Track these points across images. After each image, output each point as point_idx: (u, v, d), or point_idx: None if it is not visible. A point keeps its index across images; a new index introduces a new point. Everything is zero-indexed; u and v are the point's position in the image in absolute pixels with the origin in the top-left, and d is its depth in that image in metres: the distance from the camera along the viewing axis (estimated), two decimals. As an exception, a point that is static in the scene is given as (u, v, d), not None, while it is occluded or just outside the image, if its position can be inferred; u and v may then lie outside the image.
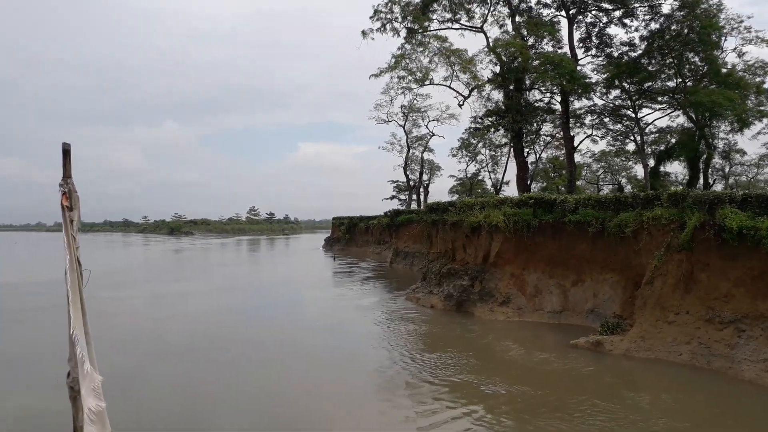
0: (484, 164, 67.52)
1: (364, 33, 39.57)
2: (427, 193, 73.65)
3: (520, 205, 24.25)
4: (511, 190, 64.84)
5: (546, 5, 39.44)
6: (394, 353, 17.65)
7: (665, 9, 35.53)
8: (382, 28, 39.18)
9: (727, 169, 51.19)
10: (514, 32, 38.44)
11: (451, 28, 40.65)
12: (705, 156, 37.90)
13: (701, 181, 37.64)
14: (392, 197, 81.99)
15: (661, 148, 44.10)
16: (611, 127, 44.89)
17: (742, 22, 35.06)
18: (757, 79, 38.59)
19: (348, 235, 78.60)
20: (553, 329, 20.97)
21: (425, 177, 74.26)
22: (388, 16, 38.91)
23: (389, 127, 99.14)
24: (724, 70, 35.52)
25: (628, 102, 40.21)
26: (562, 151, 52.02)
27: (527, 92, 40.46)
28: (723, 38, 35.19)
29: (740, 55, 37.01)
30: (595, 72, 40.41)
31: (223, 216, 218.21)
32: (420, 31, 39.64)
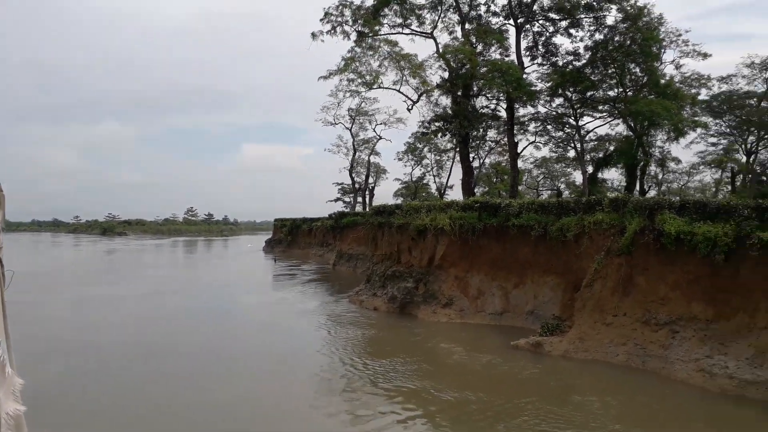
0: (429, 168, 68.15)
1: (313, 35, 39.11)
2: (372, 195, 73.64)
3: (466, 209, 24.40)
4: (455, 194, 65.71)
5: (495, 14, 40.13)
6: (336, 358, 17.20)
7: (609, 21, 36.72)
8: (333, 31, 38.82)
9: (660, 176, 53.48)
10: (463, 39, 38.89)
11: (402, 33, 40.78)
12: (642, 163, 39.33)
13: (637, 187, 39.01)
14: (337, 199, 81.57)
15: (600, 155, 45.61)
16: (553, 134, 46.04)
17: (680, 35, 36.55)
18: (693, 91, 40.44)
19: (290, 237, 77.40)
20: (495, 331, 21.10)
21: (371, 180, 74.26)
22: (339, 19, 38.60)
23: (336, 129, 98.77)
24: (662, 81, 36.92)
25: (571, 110, 41.29)
26: (505, 157, 53.03)
27: (474, 98, 40.92)
28: (662, 50, 36.57)
29: (678, 67, 38.62)
30: (540, 80, 41.40)
31: (159, 217, 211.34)
32: (370, 35, 39.51)
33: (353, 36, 39.27)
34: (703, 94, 42.58)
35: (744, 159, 47.42)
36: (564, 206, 21.51)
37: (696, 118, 40.24)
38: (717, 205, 16.35)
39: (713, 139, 48.82)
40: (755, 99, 43.36)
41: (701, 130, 45.24)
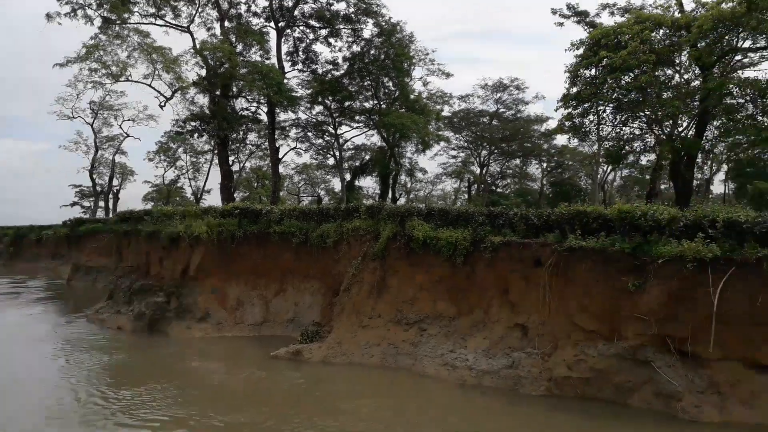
0: (184, 171, 64.49)
1: (48, 16, 33.99)
2: (117, 199, 66.79)
3: (225, 215, 23.24)
4: (213, 199, 63.19)
5: (256, 14, 39.45)
6: (79, 391, 14.45)
7: (366, 34, 38.55)
8: (72, 14, 34.07)
9: (409, 185, 58.54)
10: (222, 36, 37.36)
11: (155, 24, 37.56)
12: (394, 173, 42.42)
13: (390, 195, 41.92)
14: (74, 204, 72.35)
15: (357, 163, 48.11)
16: (314, 141, 47.12)
17: (428, 54, 40.18)
18: (437, 107, 44.88)
19: (13, 249, 65.23)
20: (255, 342, 20.36)
21: (116, 182, 67.40)
22: (81, 1, 34.08)
23: (75, 123, 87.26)
24: (412, 97, 40.23)
25: (330, 118, 42.61)
26: (267, 161, 52.63)
27: (234, 99, 39.68)
28: (412, 67, 39.74)
29: (425, 84, 42.61)
30: (300, 86, 41.91)
31: None
32: (118, 22, 35.66)
33: (97, 21, 35.06)
34: (446, 111, 47.69)
35: (478, 171, 54.24)
36: (324, 213, 21.83)
37: (440, 132, 44.81)
38: (457, 212, 18.00)
39: (453, 152, 55.03)
40: (487, 117, 49.99)
41: (444, 144, 50.61)
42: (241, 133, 45.01)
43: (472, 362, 15.04)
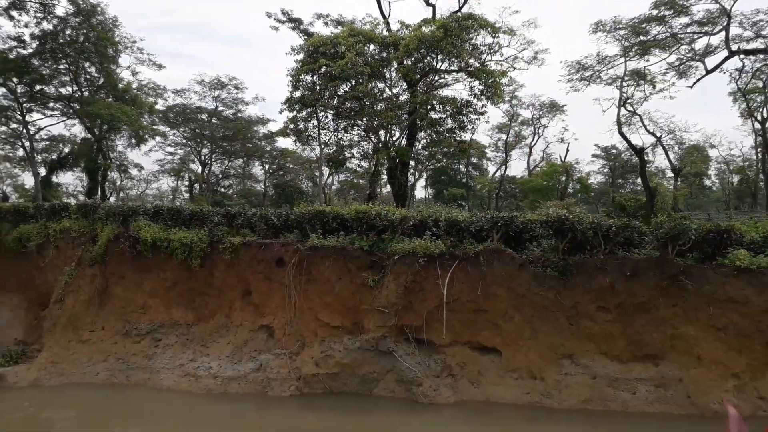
0: None
1: None
2: None
3: None
4: None
5: None
6: None
7: (59, 11, 33.47)
8: None
9: (119, 182, 52.81)
10: None
11: None
12: (103, 168, 37.78)
13: (99, 193, 37.29)
14: None
15: (55, 156, 41.53)
16: (-5, 128, 39.14)
17: (135, 42, 36.83)
18: (150, 99, 41.39)
19: None
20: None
21: None
22: None
23: None
24: (121, 86, 36.40)
25: (16, 103, 35.93)
26: None
27: None
28: (119, 54, 35.94)
29: (134, 73, 38.89)
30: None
31: None
32: None
33: None
34: (161, 104, 44.35)
35: (199, 169, 51.68)
36: (22, 212, 18.41)
37: (155, 127, 41.50)
38: (191, 211, 17.03)
39: (171, 149, 51.40)
40: (206, 114, 48.05)
41: (160, 139, 47.11)
42: None
43: (217, 369, 14.36)
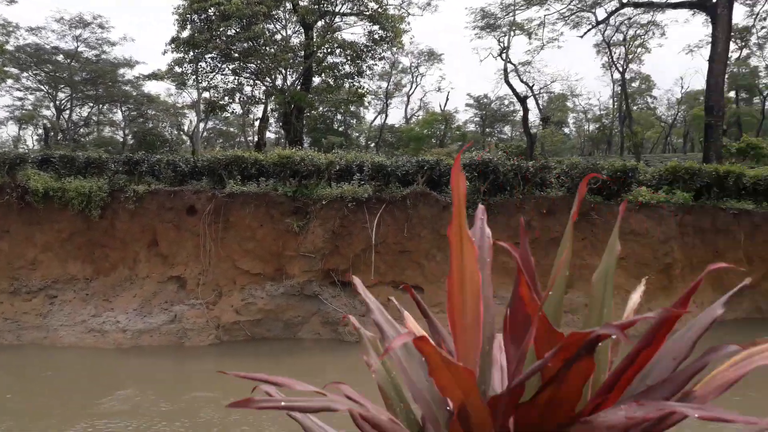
0: None
1: None
2: None
3: None
4: None
5: None
6: None
7: None
8: None
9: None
10: None
11: None
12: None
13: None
14: None
15: None
16: None
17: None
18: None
19: None
20: None
21: None
22: None
23: None
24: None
25: None
26: None
27: None
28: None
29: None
30: None
31: None
32: None
33: None
34: (11, 44, 39.00)
35: (55, 116, 46.19)
36: None
37: (5, 69, 36.65)
38: (87, 158, 15.68)
39: (20, 93, 45.35)
40: (63, 55, 42.78)
41: (12, 82, 41.64)
42: None
43: (125, 323, 13.44)
